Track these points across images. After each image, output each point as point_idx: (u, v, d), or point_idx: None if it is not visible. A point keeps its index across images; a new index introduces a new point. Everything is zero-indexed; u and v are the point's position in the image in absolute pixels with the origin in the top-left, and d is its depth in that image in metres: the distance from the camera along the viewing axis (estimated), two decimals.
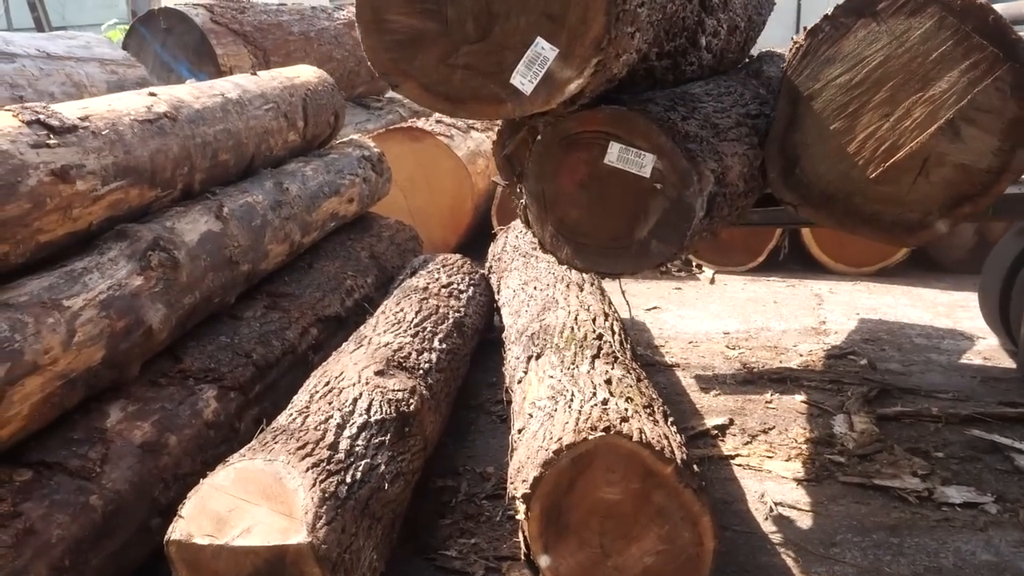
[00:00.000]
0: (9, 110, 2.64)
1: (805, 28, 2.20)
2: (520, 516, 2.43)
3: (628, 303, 4.63)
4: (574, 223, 1.92)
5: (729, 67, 3.09)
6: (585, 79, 1.69)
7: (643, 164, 1.83)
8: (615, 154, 1.84)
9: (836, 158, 2.15)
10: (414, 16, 1.68)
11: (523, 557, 2.50)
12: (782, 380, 4.25)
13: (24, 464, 2.38)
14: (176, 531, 2.16)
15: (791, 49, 2.20)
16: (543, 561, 2.42)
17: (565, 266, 2.03)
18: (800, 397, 4.04)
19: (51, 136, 2.62)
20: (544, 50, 1.65)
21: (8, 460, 2.35)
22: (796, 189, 2.20)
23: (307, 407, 2.63)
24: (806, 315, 5.29)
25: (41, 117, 2.65)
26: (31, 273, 2.55)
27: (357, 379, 2.83)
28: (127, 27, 6.44)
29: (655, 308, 5.54)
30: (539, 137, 1.90)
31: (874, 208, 2.16)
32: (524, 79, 1.67)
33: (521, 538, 2.46)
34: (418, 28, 1.68)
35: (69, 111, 2.83)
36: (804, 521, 3.04)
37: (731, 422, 3.80)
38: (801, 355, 4.61)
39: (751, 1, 3.64)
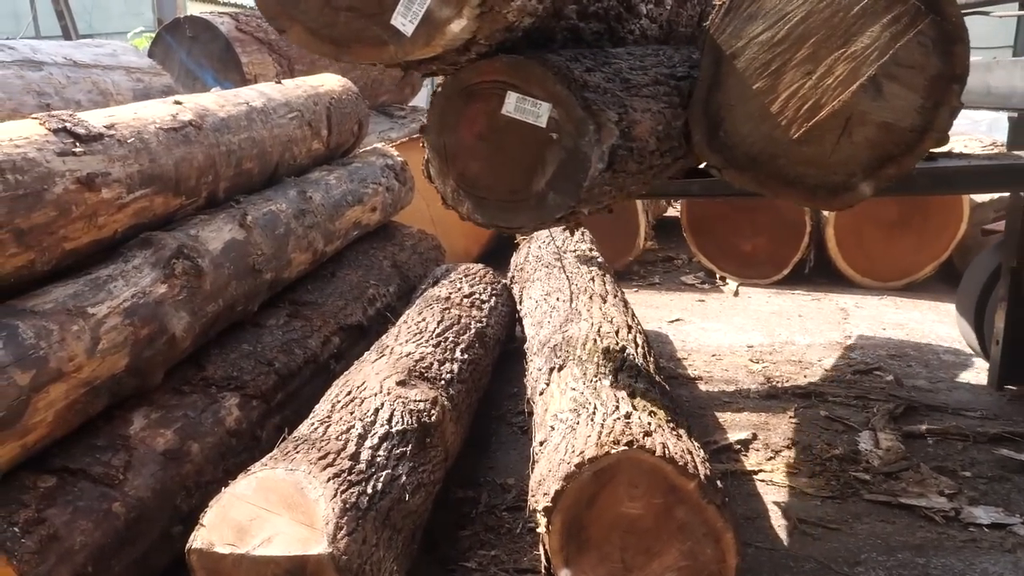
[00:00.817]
0: (36, 118, 2.66)
1: None
2: (541, 529, 2.41)
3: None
4: (474, 176, 1.88)
5: (681, 41, 3.03)
6: (468, 20, 1.64)
7: (539, 114, 1.79)
8: (512, 104, 1.81)
9: (759, 119, 2.08)
10: None
11: (543, 570, 2.48)
12: (806, 395, 4.21)
13: (48, 470, 2.39)
14: (198, 539, 2.16)
15: (716, 7, 2.13)
16: (563, 575, 2.40)
17: (468, 221, 1.96)
18: (824, 412, 4.00)
19: (77, 144, 2.64)
20: None
21: (32, 466, 2.36)
22: (720, 152, 2.14)
23: (329, 417, 2.63)
24: (831, 329, 5.24)
25: (67, 125, 2.67)
26: (56, 280, 2.57)
27: (379, 389, 2.82)
28: (153, 35, 6.49)
29: (678, 320, 5.51)
30: (439, 89, 1.87)
31: (798, 171, 2.09)
32: (405, 19, 1.63)
33: (542, 551, 2.44)
34: None
35: (95, 119, 2.86)
36: (828, 539, 3.01)
37: (754, 437, 3.76)
38: (826, 370, 4.56)
39: None
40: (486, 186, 1.88)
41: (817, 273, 6.18)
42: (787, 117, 2.05)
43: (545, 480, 2.42)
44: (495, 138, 1.83)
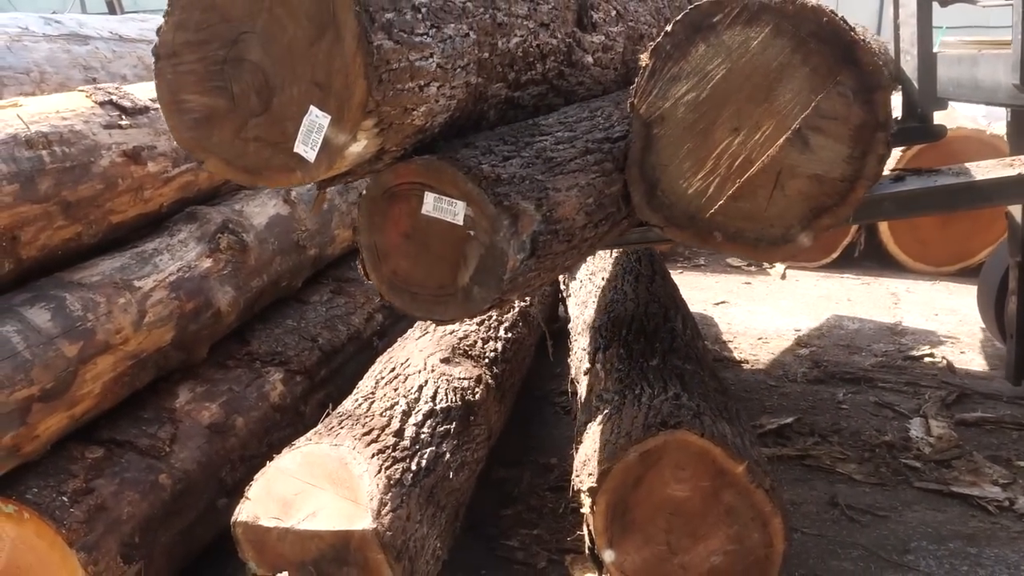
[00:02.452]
0: (83, 91, 2.67)
1: (650, 48, 2.12)
2: (585, 510, 2.39)
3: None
4: (405, 274, 1.94)
5: None
6: (367, 140, 1.71)
7: (456, 212, 1.84)
8: (430, 204, 1.86)
9: (693, 177, 2.10)
10: (206, 94, 1.72)
11: (587, 551, 2.46)
12: (855, 380, 4.13)
13: (96, 442, 2.41)
14: (243, 512, 2.17)
15: (640, 69, 2.13)
16: (608, 556, 2.37)
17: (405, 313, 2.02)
18: (874, 398, 3.92)
19: (123, 117, 2.65)
20: (318, 118, 1.66)
21: (80, 438, 2.38)
22: (660, 210, 2.15)
23: (372, 393, 2.62)
24: (881, 314, 5.14)
25: (114, 98, 2.68)
26: (103, 254, 2.58)
27: (423, 366, 2.81)
28: None
29: (723, 303, 5.44)
30: (364, 192, 1.94)
31: (737, 225, 2.10)
32: (306, 147, 1.68)
33: (585, 532, 2.42)
34: (211, 106, 1.73)
35: (141, 93, 2.86)
36: (876, 526, 2.94)
37: (801, 421, 3.70)
38: (876, 355, 4.47)
39: (671, 4, 3.57)
40: (417, 282, 1.93)
41: (867, 257, 6.04)
42: (720, 174, 2.07)
43: (590, 460, 2.39)
44: (419, 236, 1.89)
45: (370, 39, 1.60)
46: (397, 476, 2.24)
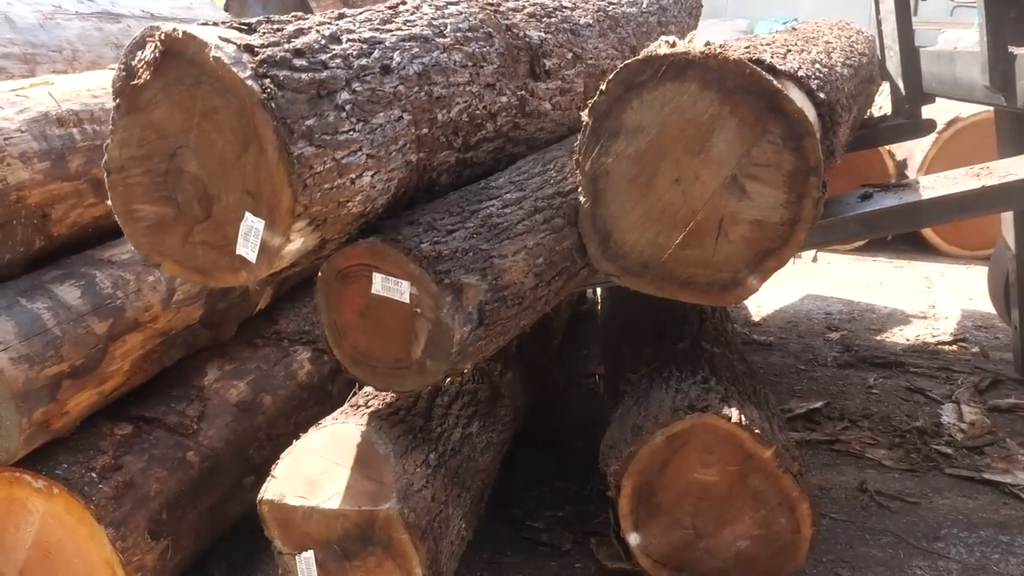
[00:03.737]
0: (114, 69, 2.67)
1: (589, 106, 2.16)
2: (611, 492, 2.38)
3: None
4: (364, 349, 2.02)
5: None
6: (303, 238, 1.79)
7: (402, 291, 1.92)
8: (379, 284, 1.94)
9: (642, 227, 2.15)
10: (155, 204, 1.83)
11: (612, 533, 2.46)
12: (886, 365, 4.08)
13: (125, 419, 2.43)
14: (269, 491, 2.18)
15: (582, 127, 2.18)
16: (633, 539, 2.37)
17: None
18: (905, 383, 3.87)
19: None
20: (253, 223, 1.75)
21: (110, 414, 2.40)
22: (615, 261, 2.20)
23: None
24: (914, 298, 5.07)
25: None
26: None
27: None
28: None
29: None
30: (320, 273, 2.03)
31: (688, 272, 2.15)
32: (246, 250, 1.77)
33: (611, 514, 2.42)
34: (160, 214, 1.83)
35: None
36: (906, 513, 2.91)
37: (830, 406, 3.66)
38: (908, 340, 4.42)
39: (638, 31, 3.56)
40: (375, 357, 2.01)
41: (901, 240, 5.96)
42: (666, 224, 2.12)
43: (616, 443, 2.38)
44: (373, 314, 1.97)
45: (290, 150, 1.68)
46: (423, 457, 2.24)
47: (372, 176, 1.93)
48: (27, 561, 2.27)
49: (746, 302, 5.01)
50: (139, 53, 1.76)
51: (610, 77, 2.08)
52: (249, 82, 1.66)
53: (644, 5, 3.90)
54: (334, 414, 2.36)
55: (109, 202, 1.88)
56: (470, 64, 2.39)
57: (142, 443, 2.38)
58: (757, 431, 2.26)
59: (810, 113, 2.10)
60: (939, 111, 5.29)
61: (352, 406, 2.40)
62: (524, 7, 2.88)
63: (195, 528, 2.43)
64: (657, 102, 2.04)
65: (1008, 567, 2.62)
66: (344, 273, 1.98)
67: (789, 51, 2.43)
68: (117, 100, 1.81)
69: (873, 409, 3.63)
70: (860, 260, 5.85)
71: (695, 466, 2.31)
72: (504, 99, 2.54)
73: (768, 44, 2.46)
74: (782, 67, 2.09)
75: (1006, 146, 3.65)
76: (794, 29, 3.60)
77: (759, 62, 2.00)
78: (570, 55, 2.99)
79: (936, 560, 2.66)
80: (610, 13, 3.52)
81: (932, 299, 5.04)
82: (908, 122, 4.21)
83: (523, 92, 2.65)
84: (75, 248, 2.45)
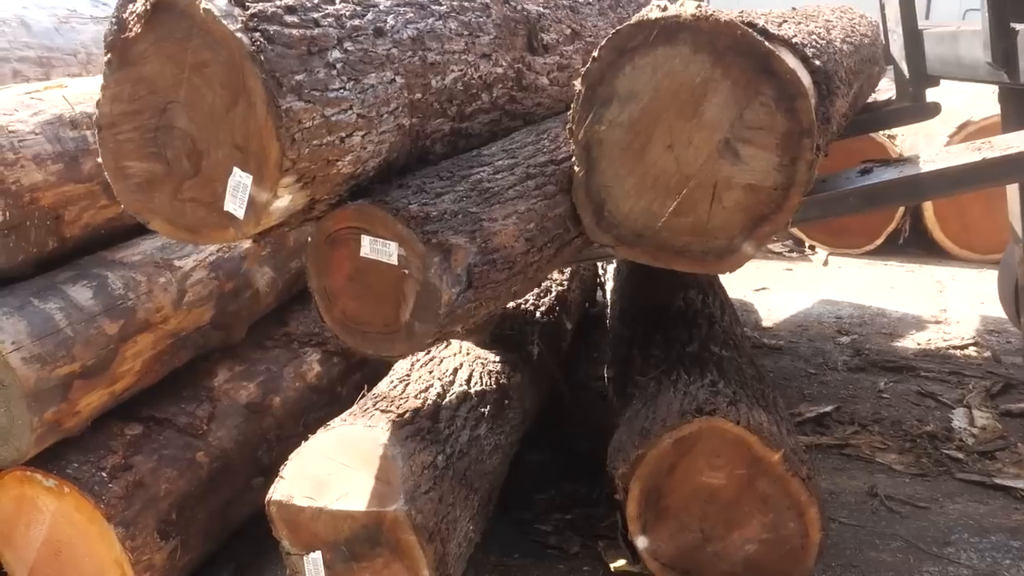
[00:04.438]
0: None
1: (581, 73, 2.15)
2: (618, 495, 2.38)
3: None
4: (354, 314, 2.01)
5: None
6: (291, 195, 1.80)
7: (390, 253, 1.92)
8: (367, 246, 1.94)
9: (637, 195, 2.14)
10: (145, 160, 1.84)
11: (620, 537, 2.45)
12: (897, 369, 4.06)
13: (135, 419, 2.45)
14: (277, 492, 2.19)
15: (575, 95, 2.17)
16: (641, 542, 2.37)
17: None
18: (916, 388, 3.85)
19: None
20: (242, 178, 1.76)
21: (120, 415, 2.42)
22: (609, 231, 2.19)
23: (408, 375, 2.63)
24: (926, 302, 5.04)
25: None
26: (144, 233, 2.61)
27: (458, 349, 2.81)
28: None
29: (764, 289, 5.38)
30: (309, 239, 2.03)
31: (682, 240, 2.14)
32: (234, 206, 1.78)
33: (619, 518, 2.41)
34: (150, 171, 1.84)
35: None
36: (916, 517, 2.90)
37: (840, 410, 3.65)
38: (919, 344, 4.39)
39: (640, 10, 3.54)
40: (365, 321, 2.00)
41: (912, 244, 5.93)
42: (660, 191, 2.11)
43: (624, 446, 2.38)
44: (362, 278, 1.96)
45: (278, 103, 1.69)
46: (431, 458, 2.25)
47: (362, 136, 1.93)
48: (37, 559, 2.28)
49: (757, 306, 5.01)
50: (131, 6, 1.76)
51: (602, 43, 2.07)
52: (239, 35, 1.67)
53: None
54: (342, 416, 2.37)
55: (100, 159, 1.88)
56: (466, 33, 2.38)
57: (152, 443, 2.40)
58: (765, 435, 2.26)
59: (804, 77, 2.09)
60: (951, 115, 5.26)
61: (360, 408, 2.41)
62: None
63: (204, 528, 2.45)
64: (649, 67, 2.03)
65: (1020, 573, 2.61)
66: (333, 237, 1.97)
67: (785, 21, 2.42)
68: (108, 55, 1.80)
69: (883, 413, 3.61)
70: (871, 264, 5.83)
71: (703, 469, 2.30)
72: (500, 70, 2.53)
73: (764, 14, 2.46)
74: (776, 32, 2.08)
75: (1010, 124, 3.62)
76: (794, 9, 3.61)
77: (751, 25, 2.00)
78: (568, 31, 2.98)
79: (947, 565, 2.65)
80: None
81: (943, 303, 5.01)
82: (912, 105, 4.20)
83: (520, 65, 2.65)
84: (87, 249, 2.47)
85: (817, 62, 2.21)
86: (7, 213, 2.21)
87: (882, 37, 4.36)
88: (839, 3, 4.15)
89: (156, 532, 2.27)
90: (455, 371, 2.67)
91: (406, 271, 1.91)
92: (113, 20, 1.79)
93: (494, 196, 2.12)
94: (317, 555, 2.17)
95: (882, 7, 4.27)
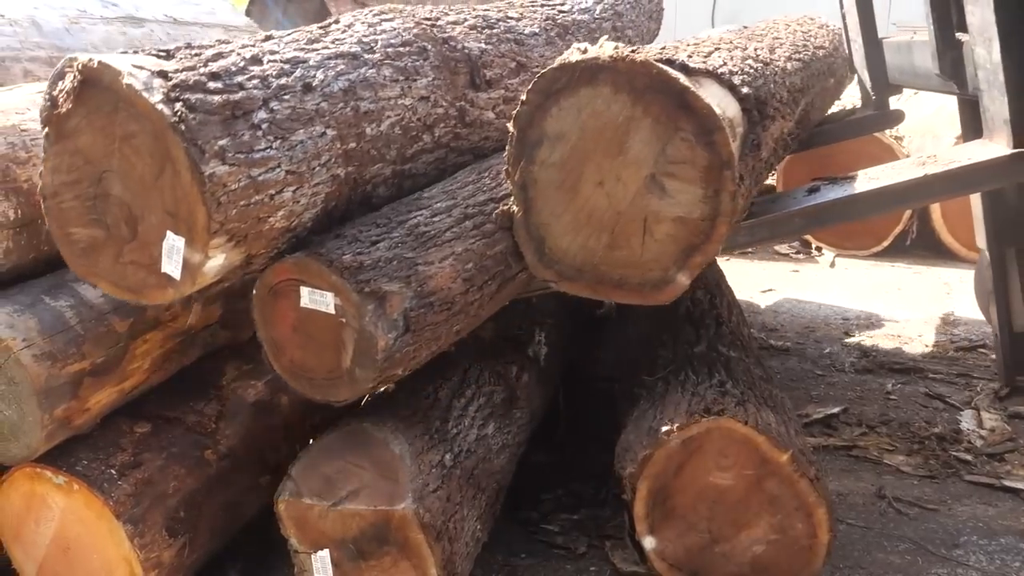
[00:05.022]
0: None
1: (512, 116, 2.20)
2: (626, 496, 2.38)
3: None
4: (300, 362, 2.09)
5: None
6: (224, 255, 1.88)
7: (327, 303, 1.99)
8: (306, 297, 2.01)
9: (573, 232, 2.18)
10: (88, 226, 1.94)
11: (627, 537, 2.45)
12: (904, 371, 4.05)
13: (144, 417, 2.45)
14: (286, 490, 2.19)
15: (509, 137, 2.22)
16: (648, 543, 2.36)
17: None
18: (924, 389, 3.85)
19: None
20: (175, 241, 1.85)
21: (129, 412, 2.42)
22: (551, 267, 2.24)
23: (417, 375, 2.62)
24: (933, 304, 5.03)
25: None
26: None
27: (467, 348, 2.81)
28: None
29: (770, 290, 5.37)
30: (254, 291, 2.10)
31: (619, 273, 2.18)
32: (171, 267, 1.86)
33: (626, 518, 2.41)
34: (93, 236, 1.94)
35: None
36: (925, 519, 2.89)
37: (848, 411, 3.64)
38: (926, 346, 4.39)
39: (590, 36, 3.64)
40: (310, 369, 2.08)
41: (919, 245, 5.92)
42: (594, 227, 2.16)
43: (632, 446, 2.38)
44: (305, 328, 2.04)
45: (201, 170, 1.77)
46: (438, 457, 2.25)
47: (294, 191, 2.01)
48: (47, 556, 2.29)
49: (764, 307, 5.00)
50: (60, 83, 1.87)
51: (529, 88, 2.14)
52: (160, 106, 1.76)
53: (597, 12, 3.96)
54: (351, 414, 2.38)
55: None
56: (401, 78, 2.45)
57: (161, 441, 2.40)
58: (774, 435, 2.25)
59: (730, 108, 2.14)
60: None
61: (369, 406, 2.41)
62: (465, 20, 2.95)
63: (212, 526, 2.45)
64: (574, 108, 2.09)
65: None
66: (275, 289, 2.05)
67: (717, 49, 2.46)
68: (46, 128, 1.91)
69: (891, 415, 3.61)
70: (878, 265, 5.82)
71: (711, 470, 2.30)
72: (441, 110, 2.59)
73: (695, 44, 2.50)
74: (697, 65, 2.14)
75: (968, 133, 3.62)
76: (744, 27, 3.61)
77: (669, 62, 2.06)
78: (513, 64, 3.04)
79: (955, 568, 2.64)
80: (559, 21, 3.59)
81: (951, 305, 5.00)
82: (876, 114, 4.22)
83: (462, 103, 2.71)
84: None
85: (746, 89, 2.27)
86: (19, 211, 2.22)
87: (845, 47, 4.39)
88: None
89: (164, 529, 2.27)
90: (464, 371, 2.67)
91: (343, 320, 1.99)
92: (46, 97, 1.90)
93: (431, 239, 2.19)
94: (325, 553, 2.18)
95: (843, 17, 4.29)
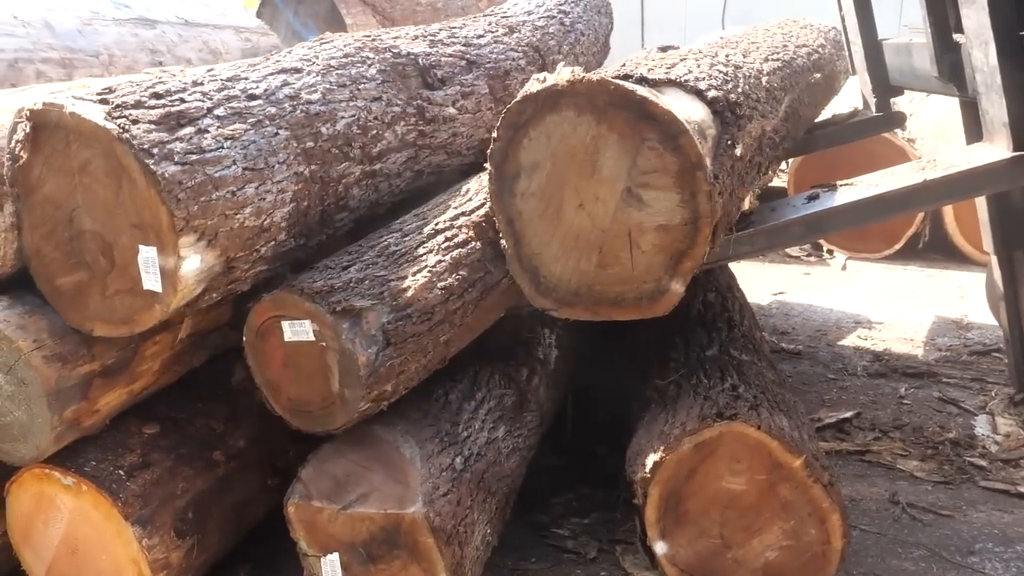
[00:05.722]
0: (148, 73, 2.70)
1: (488, 154, 2.24)
2: (637, 500, 2.36)
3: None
4: (296, 397, 2.14)
5: None
6: (199, 256, 1.94)
7: (307, 330, 2.05)
8: (288, 330, 2.08)
9: (564, 257, 2.21)
10: (71, 272, 2.03)
11: (638, 542, 2.44)
12: (918, 375, 4.02)
13: (153, 418, 2.44)
14: (295, 492, 2.18)
15: (488, 174, 2.27)
16: (659, 548, 2.35)
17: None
18: (937, 394, 3.81)
19: None
20: (148, 252, 1.92)
21: (139, 413, 2.42)
22: (548, 295, 2.26)
23: (427, 378, 2.61)
24: (946, 307, 5.00)
25: None
26: None
27: (477, 351, 2.79)
28: None
29: (781, 293, 5.34)
30: (243, 336, 2.16)
31: (615, 291, 2.20)
32: (151, 282, 1.94)
33: (637, 523, 2.39)
34: (77, 280, 2.03)
35: None
36: (939, 526, 2.86)
37: (861, 416, 3.61)
38: (940, 350, 4.35)
39: (539, 30, 3.80)
40: (306, 401, 2.14)
41: (932, 248, 5.88)
42: (582, 249, 2.20)
43: (643, 450, 2.36)
44: (294, 361, 2.10)
45: (153, 171, 1.86)
46: (448, 461, 2.24)
47: (256, 187, 2.08)
48: (56, 557, 2.28)
49: (775, 311, 4.98)
50: (15, 136, 1.98)
51: (497, 124, 2.19)
52: (104, 123, 1.87)
53: (542, 11, 4.02)
54: (361, 417, 2.36)
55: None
56: (349, 83, 2.55)
57: (170, 442, 2.40)
58: (786, 440, 2.23)
59: (697, 112, 2.17)
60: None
61: (379, 409, 2.39)
62: (407, 32, 3.09)
63: (220, 528, 2.44)
64: (544, 136, 2.14)
65: None
66: (261, 330, 2.12)
67: (683, 60, 2.49)
68: (14, 189, 2.01)
69: (905, 420, 3.58)
70: (890, 269, 5.78)
71: (723, 474, 2.28)
72: (397, 108, 2.68)
73: (659, 59, 2.53)
74: (658, 76, 2.18)
75: (971, 136, 3.58)
76: (721, 37, 3.61)
77: (626, 76, 2.11)
78: (463, 62, 3.14)
79: (971, 575, 2.61)
80: (503, 22, 3.69)
81: (965, 308, 4.97)
82: (878, 116, 4.19)
83: (419, 101, 2.80)
84: None
85: (713, 93, 2.29)
86: None
87: (833, 43, 4.36)
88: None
89: (173, 531, 2.27)
90: (475, 374, 2.65)
91: (323, 344, 2.05)
92: (7, 156, 2.01)
93: (402, 256, 2.25)
94: (334, 556, 2.17)
95: (843, 20, 4.27)
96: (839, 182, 2.97)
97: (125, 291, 1.98)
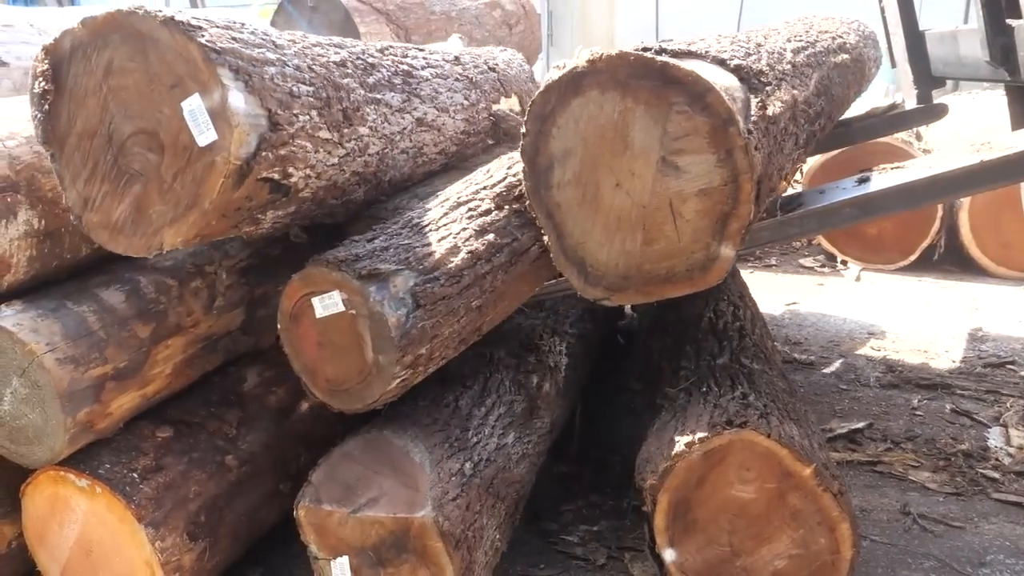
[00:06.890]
0: None
1: (519, 149, 2.23)
2: (646, 508, 2.36)
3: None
4: (334, 377, 2.12)
5: None
6: (242, 100, 1.90)
7: (336, 302, 2.05)
8: (319, 306, 2.07)
9: (608, 241, 2.18)
10: (126, 194, 2.00)
11: (647, 550, 2.43)
12: (931, 386, 4.00)
13: (166, 421, 2.46)
14: (306, 496, 2.19)
15: (522, 172, 2.27)
16: (668, 555, 2.34)
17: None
18: (950, 406, 3.79)
19: None
20: (192, 103, 1.88)
21: (151, 417, 2.44)
22: (598, 284, 2.24)
23: (438, 382, 2.62)
24: (961, 319, 4.97)
25: None
26: None
27: (488, 357, 2.80)
28: (276, 5, 6.62)
29: (794, 304, 5.33)
30: (279, 327, 2.15)
31: (664, 266, 2.16)
32: (204, 135, 1.88)
33: (646, 530, 2.39)
34: (134, 196, 1.99)
35: None
36: (950, 537, 2.85)
37: (873, 427, 3.60)
38: (954, 361, 4.33)
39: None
40: (344, 379, 2.11)
41: (947, 260, 5.85)
42: (625, 229, 2.17)
43: (653, 457, 2.36)
44: (328, 339, 2.08)
45: (171, 16, 1.88)
46: (458, 465, 2.25)
47: (276, 57, 2.12)
48: (70, 559, 2.30)
49: (788, 321, 4.96)
50: (35, 89, 1.99)
51: (524, 119, 2.18)
52: (114, 12, 1.90)
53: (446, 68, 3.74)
54: (372, 422, 2.38)
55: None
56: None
57: (182, 446, 2.41)
58: (796, 448, 2.23)
59: (723, 79, 2.13)
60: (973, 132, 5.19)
61: (389, 415, 2.41)
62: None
63: (232, 531, 2.45)
64: (571, 122, 2.13)
65: None
66: (293, 314, 2.10)
67: (703, 40, 2.47)
68: (50, 151, 2.00)
69: (917, 431, 3.56)
70: (904, 280, 5.75)
71: (733, 482, 2.28)
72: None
73: (678, 40, 2.49)
74: (677, 48, 2.16)
75: (1020, 122, 3.56)
76: (738, 32, 3.61)
77: (645, 48, 2.08)
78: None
79: None
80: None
81: (979, 320, 4.94)
82: (919, 108, 4.16)
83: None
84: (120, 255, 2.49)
85: (738, 61, 2.27)
86: (43, 220, 2.24)
87: (882, 39, 4.33)
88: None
89: (185, 533, 2.28)
90: (485, 379, 2.66)
91: (353, 312, 2.03)
92: (34, 115, 2.00)
93: (425, 227, 2.25)
94: (344, 560, 2.18)
95: (882, 10, 4.24)
96: (888, 165, 2.94)
97: (183, 169, 1.93)
